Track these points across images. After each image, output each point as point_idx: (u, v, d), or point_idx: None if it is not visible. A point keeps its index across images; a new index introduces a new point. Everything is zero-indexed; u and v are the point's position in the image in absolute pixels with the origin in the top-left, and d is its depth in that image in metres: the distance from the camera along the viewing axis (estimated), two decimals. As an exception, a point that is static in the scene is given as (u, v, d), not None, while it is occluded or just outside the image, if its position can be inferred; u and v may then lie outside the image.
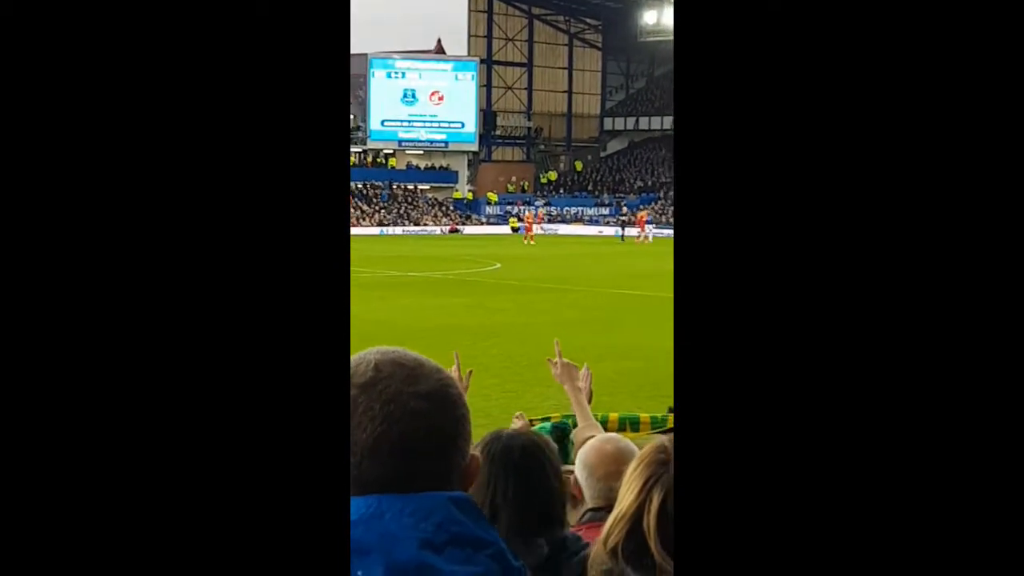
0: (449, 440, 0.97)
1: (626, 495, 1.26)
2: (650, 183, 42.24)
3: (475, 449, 1.17)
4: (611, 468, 1.86)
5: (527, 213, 37.20)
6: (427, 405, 0.94)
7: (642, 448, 1.40)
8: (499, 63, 45.98)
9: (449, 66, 43.92)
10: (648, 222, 35.27)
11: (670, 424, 3.96)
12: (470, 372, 3.25)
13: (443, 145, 43.28)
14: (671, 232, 24.25)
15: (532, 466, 1.64)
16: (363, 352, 0.97)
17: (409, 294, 17.45)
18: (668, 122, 44.73)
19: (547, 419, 3.81)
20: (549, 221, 38.88)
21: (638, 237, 33.24)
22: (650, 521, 1.18)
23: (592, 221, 40.44)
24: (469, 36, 46.08)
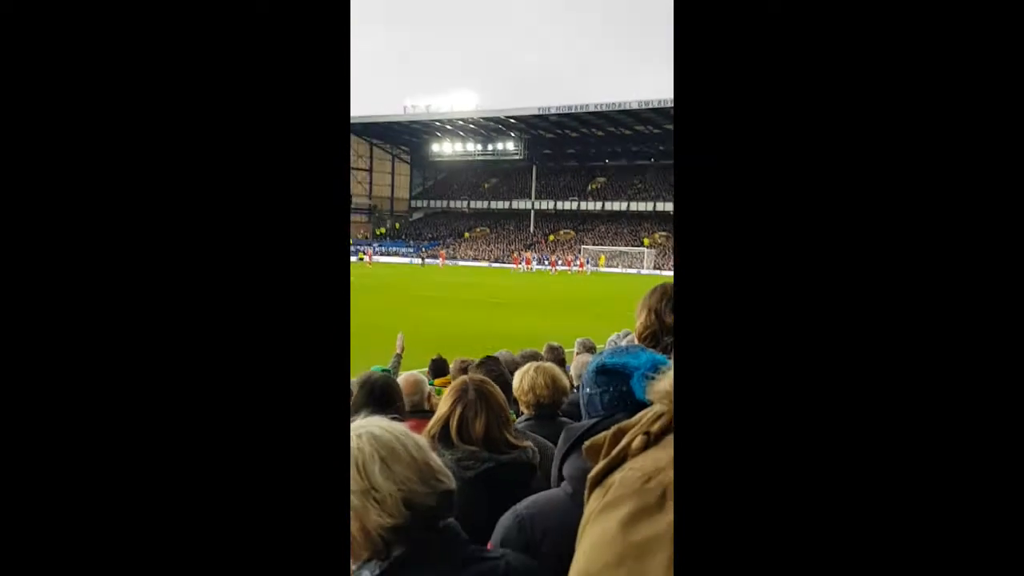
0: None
1: (441, 407, 1.95)
2: (436, 236, 64.59)
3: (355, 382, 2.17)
4: (412, 390, 2.92)
5: (368, 250, 53.55)
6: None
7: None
8: (353, 169, 66.96)
9: None
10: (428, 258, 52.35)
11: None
12: (402, 341, 5.41)
13: None
14: (458, 262, 52.77)
15: (381, 391, 2.23)
16: None
17: None
18: (447, 204, 68.45)
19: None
20: (381, 255, 55.95)
21: (438, 264, 48.24)
22: (453, 421, 1.87)
23: (406, 256, 57.82)
24: None
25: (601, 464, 0.72)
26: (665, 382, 0.73)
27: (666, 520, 0.65)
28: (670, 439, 0.70)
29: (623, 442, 0.71)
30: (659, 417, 0.71)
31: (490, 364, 3.14)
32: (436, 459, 1.20)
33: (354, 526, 1.11)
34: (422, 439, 1.21)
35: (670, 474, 0.67)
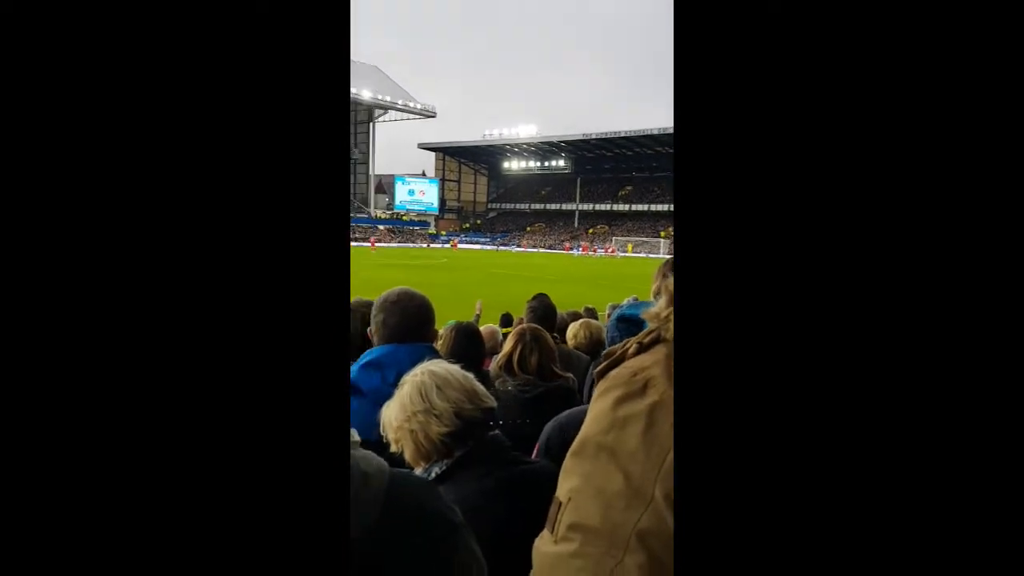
0: (426, 323, 1.55)
1: (506, 346, 1.96)
2: (506, 229, 65.34)
3: (442, 329, 1.95)
4: (489, 338, 3.09)
5: (452, 240, 56.34)
6: (416, 309, 1.53)
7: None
8: (447, 180, 70.44)
9: (427, 181, 67.56)
10: (510, 245, 54.58)
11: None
12: (480, 306, 5.46)
13: (424, 212, 65.61)
14: (528, 249, 53.96)
15: (470, 336, 2.07)
16: (392, 288, 1.54)
17: (408, 270, 22.35)
18: (514, 206, 68.87)
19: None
20: (466, 243, 57.44)
21: (512, 248, 50.59)
22: (515, 355, 1.90)
23: (483, 244, 58.18)
24: (435, 169, 71.09)
25: (605, 363, 0.73)
26: (656, 307, 0.72)
27: (644, 403, 0.64)
28: (657, 347, 0.69)
29: (622, 348, 0.73)
30: (650, 332, 0.71)
31: (540, 297, 3.12)
32: (480, 386, 1.24)
33: (421, 436, 1.17)
34: (469, 374, 1.24)
35: (652, 371, 0.66)
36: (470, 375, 1.25)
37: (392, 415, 1.19)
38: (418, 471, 1.19)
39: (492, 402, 1.24)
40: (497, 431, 1.25)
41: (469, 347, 2.04)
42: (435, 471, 1.18)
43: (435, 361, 1.28)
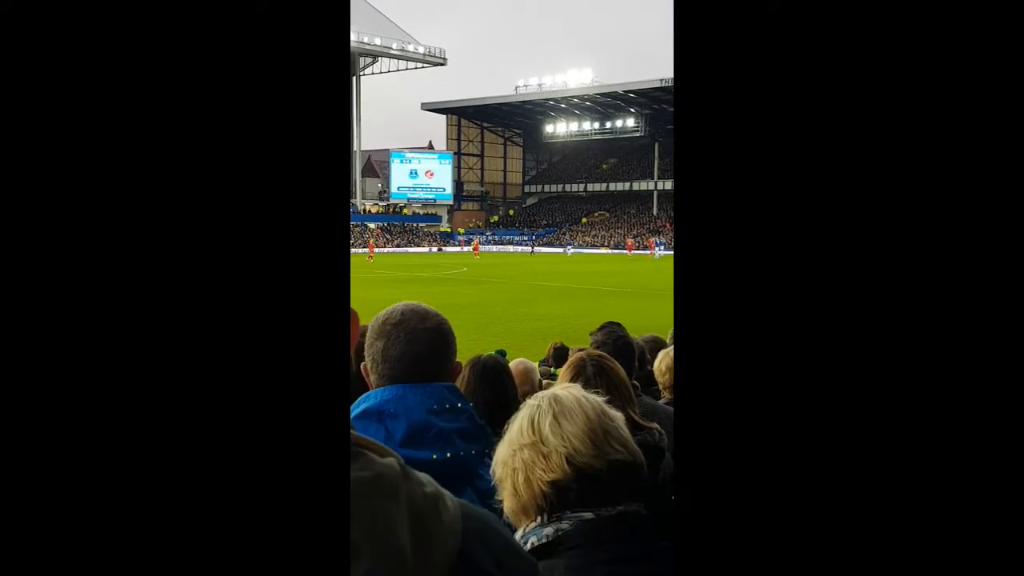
0: (443, 352, 1.53)
1: (560, 381, 1.91)
2: (551, 222, 68.39)
3: (464, 366, 2.03)
4: (523, 379, 2.81)
5: (474, 240, 56.58)
6: (428, 333, 1.51)
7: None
8: (464, 154, 72.04)
9: (436, 156, 69.21)
10: (568, 244, 55.13)
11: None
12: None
13: (432, 201, 68.25)
14: (564, 250, 53.52)
15: (494, 376, 2.15)
16: (394, 304, 1.55)
17: (412, 285, 24.07)
18: (562, 188, 70.56)
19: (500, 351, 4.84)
20: (493, 244, 60.81)
21: (567, 252, 51.01)
22: None
23: (519, 246, 60.80)
24: (447, 139, 71.46)
25: None
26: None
27: None
28: None
29: None
30: None
31: (610, 327, 2.93)
32: (620, 430, 1.25)
33: (519, 479, 1.20)
34: (616, 413, 1.27)
35: None
36: (613, 413, 1.26)
37: (500, 450, 1.23)
38: (518, 534, 1.21)
39: (630, 456, 1.24)
40: (637, 505, 1.23)
41: (492, 392, 2.03)
42: (532, 540, 1.19)
43: (574, 386, 1.29)
